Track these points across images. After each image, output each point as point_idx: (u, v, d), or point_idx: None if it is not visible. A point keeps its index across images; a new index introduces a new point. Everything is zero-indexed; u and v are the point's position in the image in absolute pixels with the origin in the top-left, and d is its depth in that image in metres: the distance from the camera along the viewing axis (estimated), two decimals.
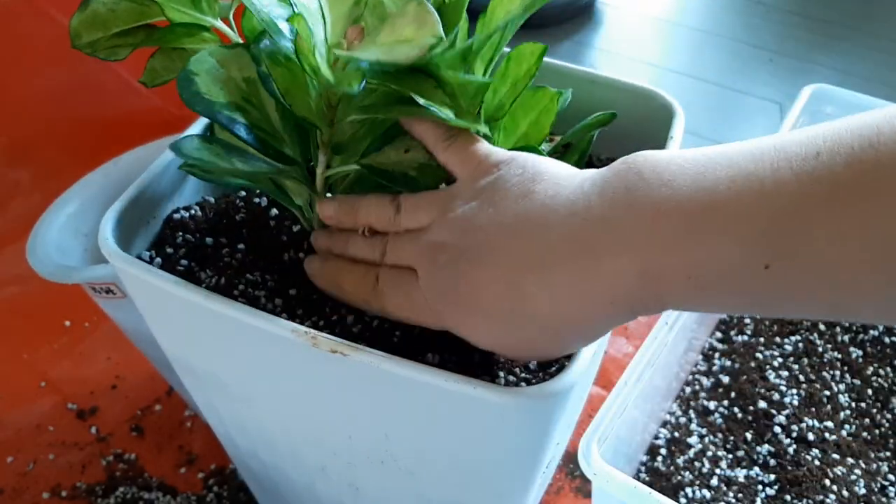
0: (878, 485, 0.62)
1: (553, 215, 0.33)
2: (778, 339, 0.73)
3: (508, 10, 0.40)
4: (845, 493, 0.61)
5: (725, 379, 0.69)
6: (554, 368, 0.39)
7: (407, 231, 0.39)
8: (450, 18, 0.41)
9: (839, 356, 0.72)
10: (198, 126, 0.46)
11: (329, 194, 0.43)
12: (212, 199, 0.48)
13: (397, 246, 0.39)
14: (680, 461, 0.63)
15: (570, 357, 0.36)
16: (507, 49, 0.46)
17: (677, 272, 0.30)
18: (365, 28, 0.37)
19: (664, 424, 0.66)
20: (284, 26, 0.37)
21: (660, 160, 0.31)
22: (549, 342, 0.34)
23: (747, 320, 0.75)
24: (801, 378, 0.69)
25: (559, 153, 0.50)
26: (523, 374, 0.39)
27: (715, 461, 0.63)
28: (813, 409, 0.67)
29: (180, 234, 0.45)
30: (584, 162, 0.47)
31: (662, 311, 0.32)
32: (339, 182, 0.43)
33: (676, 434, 0.65)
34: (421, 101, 0.35)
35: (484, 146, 0.38)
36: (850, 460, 0.63)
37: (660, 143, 0.50)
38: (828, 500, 0.60)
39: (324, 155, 0.40)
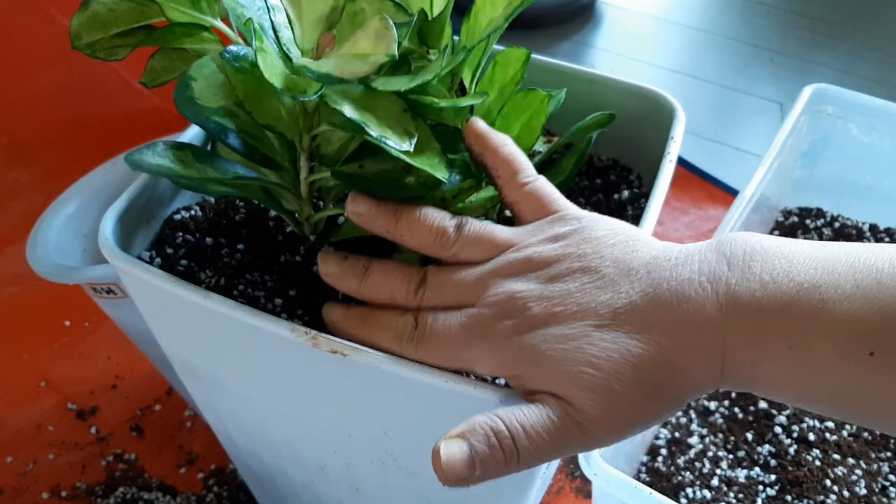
0: (879, 485, 0.62)
1: (662, 273, 0.33)
2: None
3: (491, 16, 0.40)
4: (846, 493, 0.61)
5: None
6: None
7: (457, 264, 0.37)
8: (434, 32, 0.40)
9: None
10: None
11: (321, 203, 0.42)
12: (212, 200, 0.47)
13: (447, 278, 0.36)
14: (680, 461, 0.63)
15: None
16: (498, 47, 0.46)
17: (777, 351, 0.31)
18: (338, 36, 0.37)
19: (664, 424, 0.66)
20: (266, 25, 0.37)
21: (777, 249, 0.32)
22: (657, 408, 0.32)
23: None
24: None
25: (559, 153, 0.49)
26: None
27: (715, 461, 0.63)
28: None
29: (180, 234, 0.45)
30: (583, 162, 0.47)
31: (750, 387, 0.33)
32: (329, 189, 0.43)
33: (677, 434, 0.65)
34: (374, 132, 0.34)
35: (562, 197, 0.38)
36: (850, 460, 0.63)
37: (661, 143, 0.50)
38: (828, 501, 0.60)
39: (305, 161, 0.39)
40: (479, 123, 0.39)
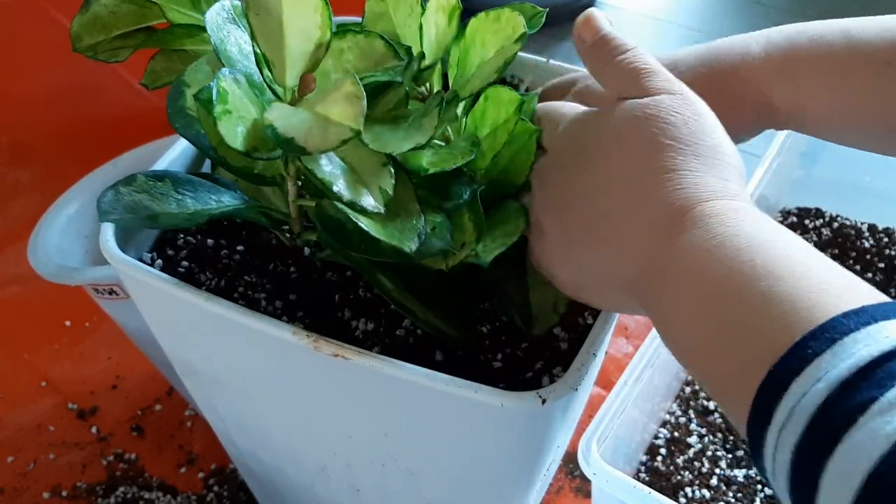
0: None
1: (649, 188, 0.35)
2: None
3: (483, 57, 0.39)
4: None
5: None
6: (557, 370, 0.39)
7: None
8: (425, 77, 0.40)
9: None
10: None
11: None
12: None
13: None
14: (679, 461, 0.63)
15: (571, 361, 0.36)
16: None
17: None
18: (320, 75, 0.35)
19: (664, 424, 0.66)
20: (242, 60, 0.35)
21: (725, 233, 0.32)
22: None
23: None
24: None
25: None
26: (528, 375, 0.39)
27: (714, 461, 0.63)
28: None
29: (181, 235, 0.45)
30: None
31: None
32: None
33: (676, 434, 0.65)
34: (346, 194, 0.33)
35: (659, 67, 0.38)
36: None
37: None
38: None
39: (293, 185, 0.38)
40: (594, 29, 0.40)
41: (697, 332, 0.31)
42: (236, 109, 0.33)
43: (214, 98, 0.32)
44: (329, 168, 0.34)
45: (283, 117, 0.32)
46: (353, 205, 0.33)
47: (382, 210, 0.34)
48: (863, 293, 0.28)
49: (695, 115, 0.35)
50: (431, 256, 0.37)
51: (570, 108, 0.40)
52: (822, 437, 0.25)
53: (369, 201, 0.34)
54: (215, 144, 0.35)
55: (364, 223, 0.33)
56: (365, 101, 0.31)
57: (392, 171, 0.35)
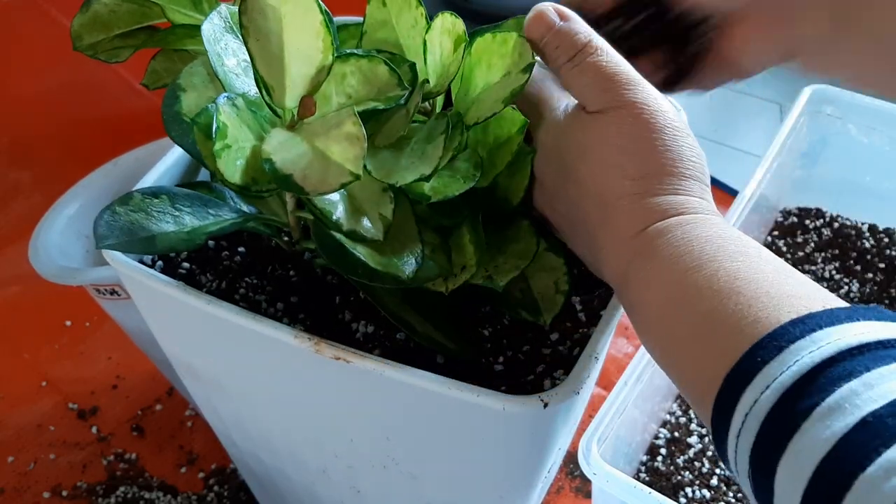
0: None
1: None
2: None
3: (487, 80, 0.38)
4: None
5: None
6: (558, 373, 0.39)
7: None
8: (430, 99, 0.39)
9: None
10: None
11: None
12: None
13: None
14: (680, 461, 0.63)
15: (572, 364, 0.36)
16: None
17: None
18: (320, 98, 0.34)
19: (664, 424, 0.66)
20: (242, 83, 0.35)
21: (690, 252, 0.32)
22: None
23: None
24: None
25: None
26: (530, 378, 0.39)
27: (715, 461, 0.63)
28: None
29: None
30: None
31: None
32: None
33: (676, 434, 0.65)
34: (345, 225, 0.32)
35: (614, 72, 0.35)
36: None
37: None
38: None
39: (291, 197, 0.37)
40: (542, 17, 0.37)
41: (666, 338, 0.32)
42: (235, 141, 0.32)
43: (214, 134, 0.31)
44: (328, 196, 0.33)
45: (281, 148, 0.31)
46: (353, 234, 0.33)
47: (381, 237, 0.33)
48: (813, 300, 0.29)
49: (651, 131, 0.34)
50: (429, 281, 0.36)
51: (557, 100, 0.38)
52: (772, 443, 0.26)
53: (368, 228, 0.33)
54: (212, 170, 0.34)
55: (361, 253, 0.33)
56: (366, 143, 0.31)
57: (392, 196, 0.34)
